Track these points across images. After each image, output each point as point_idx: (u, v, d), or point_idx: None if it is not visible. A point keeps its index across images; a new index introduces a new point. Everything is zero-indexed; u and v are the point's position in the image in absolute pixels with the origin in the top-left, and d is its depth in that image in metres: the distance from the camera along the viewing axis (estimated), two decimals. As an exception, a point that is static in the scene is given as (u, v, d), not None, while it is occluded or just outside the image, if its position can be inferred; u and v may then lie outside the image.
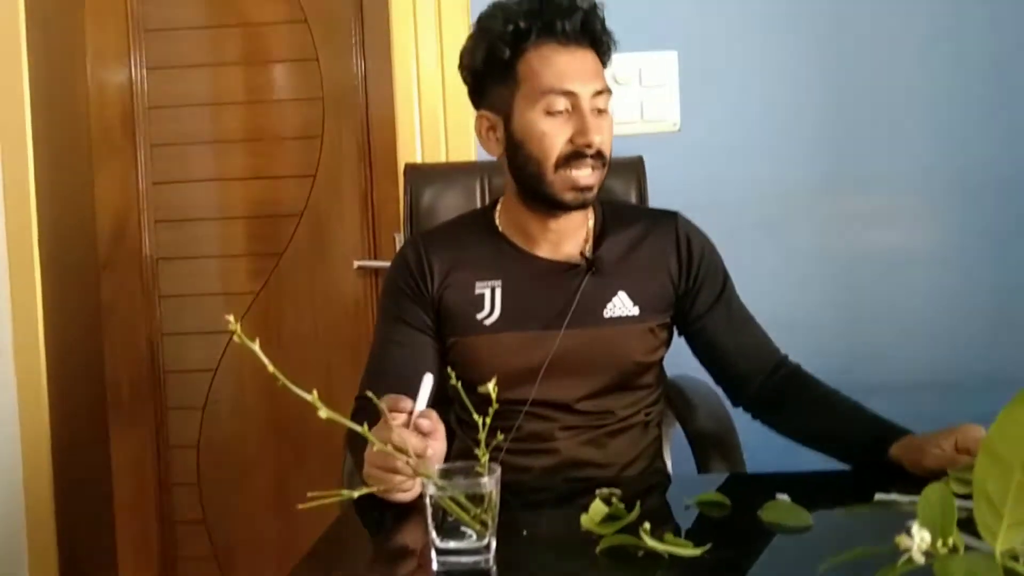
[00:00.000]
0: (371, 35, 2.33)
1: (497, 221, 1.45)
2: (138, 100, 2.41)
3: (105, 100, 2.42)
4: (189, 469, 2.46)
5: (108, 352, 2.46)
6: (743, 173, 2.07)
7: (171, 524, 2.48)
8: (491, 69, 1.36)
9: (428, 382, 1.12)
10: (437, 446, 1.07)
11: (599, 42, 1.36)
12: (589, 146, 1.32)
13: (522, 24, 1.33)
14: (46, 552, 2.18)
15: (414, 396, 1.12)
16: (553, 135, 1.33)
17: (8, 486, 2.16)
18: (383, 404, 1.02)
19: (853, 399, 1.37)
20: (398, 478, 1.05)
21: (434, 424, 1.07)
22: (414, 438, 1.03)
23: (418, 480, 1.02)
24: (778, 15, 2.07)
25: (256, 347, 0.86)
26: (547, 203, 1.36)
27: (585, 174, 1.33)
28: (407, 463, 1.00)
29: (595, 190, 1.36)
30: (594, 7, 1.36)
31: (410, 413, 1.07)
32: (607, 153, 1.35)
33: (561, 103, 1.32)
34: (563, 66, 1.33)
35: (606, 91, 1.36)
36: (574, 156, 1.33)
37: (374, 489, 1.02)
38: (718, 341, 1.45)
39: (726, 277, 1.47)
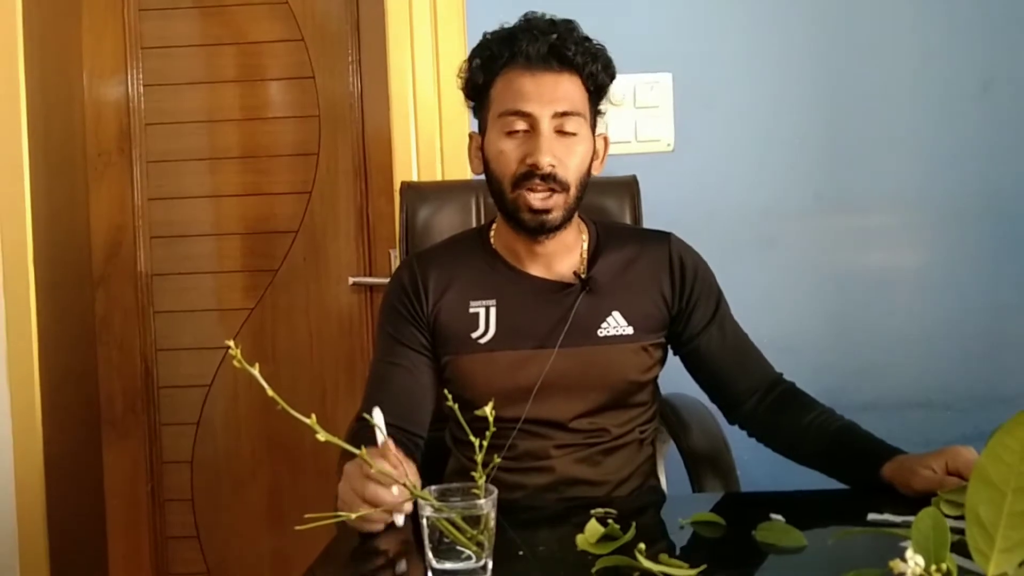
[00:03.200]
0: (368, 53, 2.35)
1: (492, 240, 1.47)
2: (134, 116, 2.42)
3: (101, 116, 2.43)
4: (182, 485, 2.46)
5: (102, 367, 2.46)
6: (736, 193, 2.09)
7: (164, 540, 2.47)
8: (473, 94, 1.42)
9: (379, 416, 1.11)
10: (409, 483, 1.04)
11: (575, 64, 1.35)
12: (537, 167, 1.33)
13: (494, 50, 1.37)
14: (38, 567, 2.17)
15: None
16: (508, 154, 1.35)
17: (0, 501, 2.15)
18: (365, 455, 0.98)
19: (847, 418, 1.38)
20: (369, 522, 1.07)
21: (400, 472, 1.03)
22: (388, 495, 1.04)
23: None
24: (772, 38, 2.09)
25: (256, 372, 0.86)
26: (515, 223, 1.38)
27: (537, 197, 1.33)
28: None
29: (555, 214, 1.35)
30: (570, 31, 1.36)
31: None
32: (565, 177, 1.34)
33: (519, 124, 1.35)
34: (523, 88, 1.34)
35: (575, 114, 1.35)
36: (525, 177, 1.34)
37: (371, 511, 1.02)
38: (713, 360, 1.46)
39: (720, 297, 1.48)
